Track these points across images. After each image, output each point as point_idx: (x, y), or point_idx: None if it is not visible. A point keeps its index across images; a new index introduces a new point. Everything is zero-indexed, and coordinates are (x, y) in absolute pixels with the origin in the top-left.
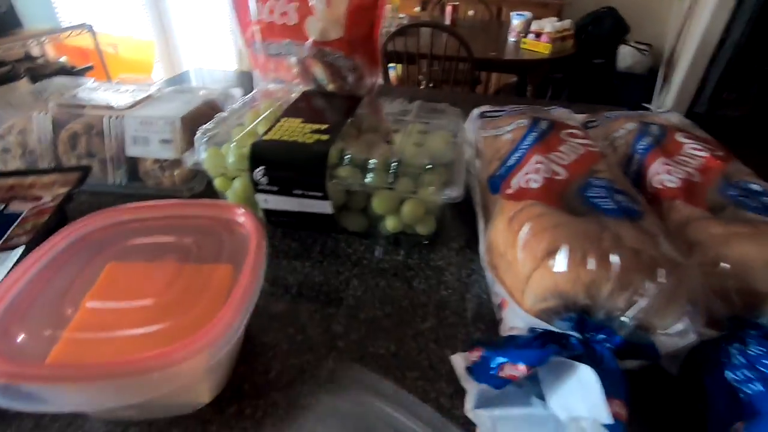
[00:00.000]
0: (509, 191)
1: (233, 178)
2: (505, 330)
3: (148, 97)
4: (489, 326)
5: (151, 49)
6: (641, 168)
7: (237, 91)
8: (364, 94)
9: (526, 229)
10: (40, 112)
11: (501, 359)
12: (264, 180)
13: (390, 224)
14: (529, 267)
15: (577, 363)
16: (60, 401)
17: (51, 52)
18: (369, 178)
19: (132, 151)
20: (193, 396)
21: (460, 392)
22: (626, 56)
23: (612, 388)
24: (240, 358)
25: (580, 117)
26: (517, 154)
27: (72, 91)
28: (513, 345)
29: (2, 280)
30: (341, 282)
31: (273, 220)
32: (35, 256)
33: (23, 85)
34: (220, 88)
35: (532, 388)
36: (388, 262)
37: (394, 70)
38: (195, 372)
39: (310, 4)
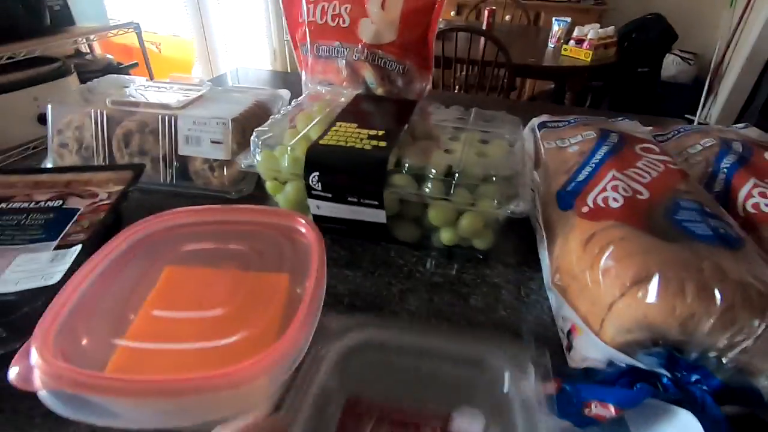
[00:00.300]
0: (585, 209)
1: (285, 182)
2: (577, 359)
3: (200, 97)
4: (553, 352)
5: (191, 48)
6: (728, 189)
7: (285, 93)
8: (414, 98)
9: (609, 252)
10: (97, 109)
11: (586, 395)
12: (318, 185)
13: (445, 237)
14: (612, 294)
15: (675, 407)
16: (125, 416)
17: (98, 50)
18: (427, 188)
19: (184, 150)
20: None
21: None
22: (671, 65)
23: None
24: None
25: (648, 130)
26: (588, 169)
27: (123, 89)
28: (596, 380)
29: (67, 281)
30: (394, 294)
31: (323, 226)
32: (96, 259)
33: (73, 81)
34: (269, 90)
35: (613, 427)
36: (441, 276)
37: None
38: (261, 392)
39: (364, 6)
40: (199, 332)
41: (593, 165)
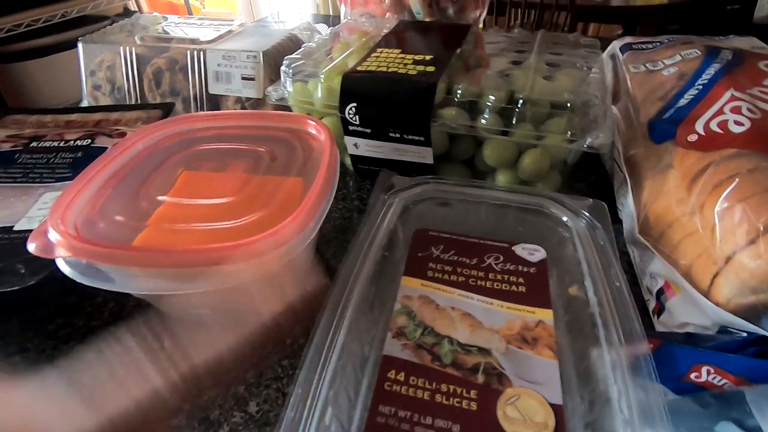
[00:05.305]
0: (693, 137)
1: (321, 118)
2: (670, 324)
3: (230, 31)
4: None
5: (234, 4)
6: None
7: (322, 27)
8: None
9: (732, 188)
10: (127, 47)
11: (696, 359)
12: (356, 119)
13: (502, 180)
14: (734, 243)
15: None
16: (131, 282)
17: (146, 8)
18: (483, 120)
19: (215, 88)
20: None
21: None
22: (765, 3)
23: None
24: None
25: None
26: (693, 92)
27: (155, 26)
28: (712, 347)
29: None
30: None
31: (361, 168)
32: (109, 158)
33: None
34: (304, 22)
35: (722, 408)
36: None
37: None
38: (266, 268)
39: None
40: (215, 217)
41: (700, 86)
